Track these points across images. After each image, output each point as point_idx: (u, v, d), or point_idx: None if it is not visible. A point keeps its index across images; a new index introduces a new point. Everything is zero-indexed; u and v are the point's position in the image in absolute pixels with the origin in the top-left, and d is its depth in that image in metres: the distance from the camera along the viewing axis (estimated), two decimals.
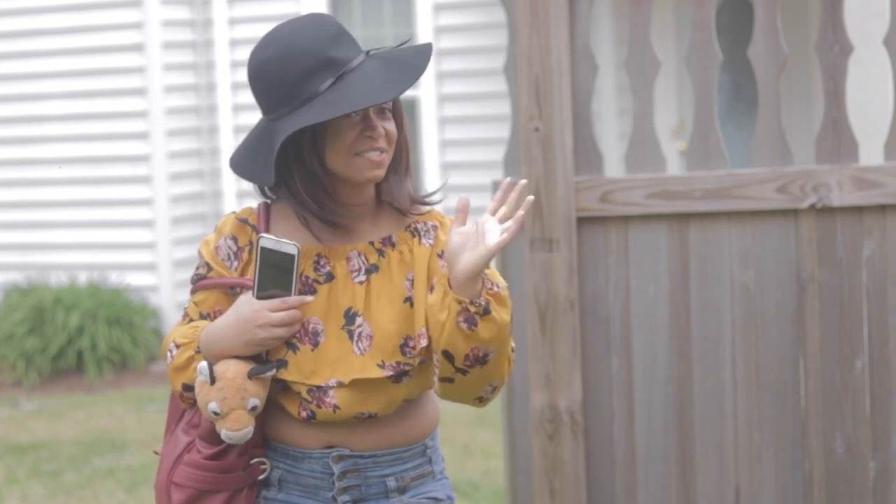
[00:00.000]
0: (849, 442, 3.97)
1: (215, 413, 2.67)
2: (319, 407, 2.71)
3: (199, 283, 2.79)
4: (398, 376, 2.72)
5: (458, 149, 10.33)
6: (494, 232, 2.60)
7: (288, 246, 2.66)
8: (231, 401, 2.66)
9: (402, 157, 2.76)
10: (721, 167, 4.08)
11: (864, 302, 3.96)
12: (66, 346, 10.06)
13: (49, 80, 10.99)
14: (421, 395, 2.79)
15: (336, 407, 2.71)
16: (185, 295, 10.76)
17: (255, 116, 10.79)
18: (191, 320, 2.78)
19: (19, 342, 10.07)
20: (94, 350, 10.04)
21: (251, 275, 2.72)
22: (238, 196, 10.84)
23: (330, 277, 2.73)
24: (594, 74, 4.18)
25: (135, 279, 10.73)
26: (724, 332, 4.07)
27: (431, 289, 2.67)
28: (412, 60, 2.68)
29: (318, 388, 2.70)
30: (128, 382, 9.92)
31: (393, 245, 2.75)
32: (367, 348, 2.71)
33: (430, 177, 10.32)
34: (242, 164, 2.74)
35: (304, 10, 10.61)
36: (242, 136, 10.87)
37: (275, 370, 2.69)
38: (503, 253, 4.24)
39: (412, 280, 2.75)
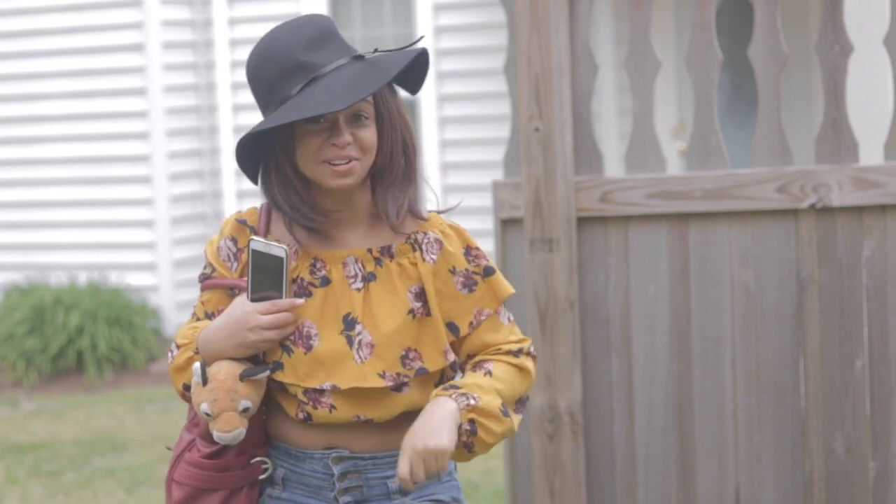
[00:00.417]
0: (849, 442, 3.98)
1: (207, 414, 2.67)
2: (315, 408, 2.71)
3: (204, 282, 2.79)
4: (398, 387, 2.72)
5: (458, 149, 10.34)
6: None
7: (276, 249, 2.65)
8: (221, 402, 2.66)
9: (394, 166, 2.71)
10: (721, 167, 4.08)
11: (864, 302, 3.96)
12: (66, 346, 10.06)
13: (49, 80, 10.99)
14: (414, 409, 2.77)
15: (332, 407, 2.71)
16: (185, 295, 10.77)
17: (255, 116, 10.85)
18: (198, 319, 2.79)
19: (19, 342, 10.07)
20: (94, 350, 10.04)
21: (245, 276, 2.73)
22: (238, 196, 10.85)
23: (326, 281, 2.72)
24: (594, 74, 4.18)
25: (135, 279, 10.73)
26: (724, 332, 4.07)
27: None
28: (387, 65, 2.65)
29: (314, 389, 2.70)
30: (128, 382, 9.92)
31: (392, 256, 2.73)
32: (367, 357, 2.70)
33: (430, 177, 10.32)
34: (238, 160, 2.74)
35: (304, 10, 10.61)
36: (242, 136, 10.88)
37: (268, 372, 2.69)
38: (503, 253, 4.24)
39: (416, 292, 2.73)
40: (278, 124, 2.60)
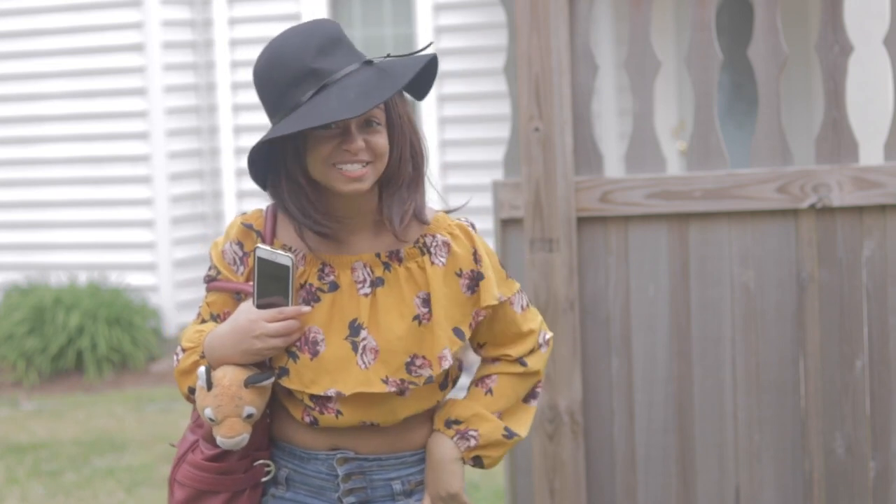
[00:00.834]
0: (849, 442, 3.97)
1: (211, 419, 2.67)
2: (322, 413, 2.71)
3: (210, 283, 2.78)
4: (401, 392, 2.71)
5: (458, 149, 10.34)
6: None
7: (282, 257, 2.65)
8: (225, 408, 2.66)
9: (402, 172, 2.71)
10: (721, 167, 4.08)
11: (864, 302, 3.96)
12: (66, 346, 10.06)
13: (49, 80, 10.99)
14: (423, 409, 2.78)
15: (339, 412, 2.71)
16: (185, 295, 10.77)
17: (254, 116, 10.80)
18: (203, 320, 2.79)
19: (19, 342, 10.07)
20: (94, 350, 10.04)
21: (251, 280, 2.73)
22: (238, 196, 10.85)
23: (334, 287, 2.71)
24: (594, 74, 4.18)
25: (135, 279, 10.73)
26: (724, 332, 4.07)
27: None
28: (400, 71, 2.64)
29: (320, 396, 2.70)
30: (128, 382, 9.92)
31: (400, 260, 2.73)
32: (371, 362, 2.70)
33: (431, 177, 10.31)
34: (250, 165, 2.74)
35: (304, 10, 10.61)
36: (242, 136, 10.89)
37: (272, 379, 2.69)
38: (503, 253, 4.24)
39: (423, 298, 2.73)
40: (294, 131, 2.59)
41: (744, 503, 4.07)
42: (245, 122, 10.79)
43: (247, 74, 10.75)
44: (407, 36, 10.52)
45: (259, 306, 2.67)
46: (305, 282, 2.71)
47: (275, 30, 10.86)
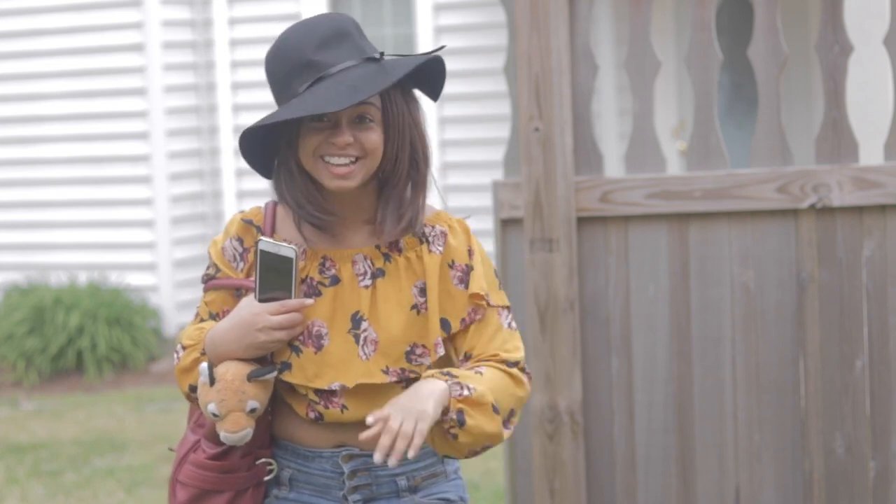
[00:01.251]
0: (849, 442, 3.97)
1: (214, 414, 2.67)
2: (327, 408, 2.71)
3: (208, 282, 2.78)
4: (403, 382, 2.70)
5: (458, 149, 10.34)
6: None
7: (286, 249, 2.64)
8: (229, 402, 2.66)
9: (398, 172, 2.69)
10: (721, 167, 4.08)
11: (864, 302, 3.96)
12: (66, 346, 10.07)
13: (49, 80, 10.99)
14: None
15: (344, 407, 2.70)
16: (185, 295, 10.77)
17: (255, 116, 10.80)
18: (202, 320, 2.78)
19: (19, 342, 10.07)
20: (94, 350, 10.04)
21: (251, 276, 2.72)
22: (238, 196, 10.85)
23: (336, 280, 2.71)
24: (594, 74, 4.17)
25: (135, 279, 10.73)
26: (724, 332, 4.07)
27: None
28: (396, 68, 2.64)
29: (324, 390, 2.69)
30: (128, 382, 9.92)
31: (400, 250, 2.73)
32: (371, 353, 2.69)
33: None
34: (244, 153, 2.74)
35: (304, 9, 10.61)
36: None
37: (275, 373, 2.69)
38: (503, 253, 4.24)
39: (421, 288, 2.72)
40: (275, 121, 2.61)
41: (744, 503, 4.07)
42: (245, 122, 10.78)
43: (247, 74, 10.76)
44: (407, 36, 10.52)
45: (261, 300, 2.66)
46: (307, 276, 2.71)
47: (275, 30, 10.88)
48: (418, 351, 2.71)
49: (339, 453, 2.74)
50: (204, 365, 2.67)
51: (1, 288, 10.96)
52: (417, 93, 2.77)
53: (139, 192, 10.82)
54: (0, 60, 11.15)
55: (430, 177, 2.75)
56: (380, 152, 2.66)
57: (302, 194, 2.68)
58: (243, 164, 11.07)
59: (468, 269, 2.74)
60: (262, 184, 2.93)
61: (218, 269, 2.76)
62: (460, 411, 2.61)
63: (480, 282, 2.73)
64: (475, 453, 2.68)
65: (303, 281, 2.71)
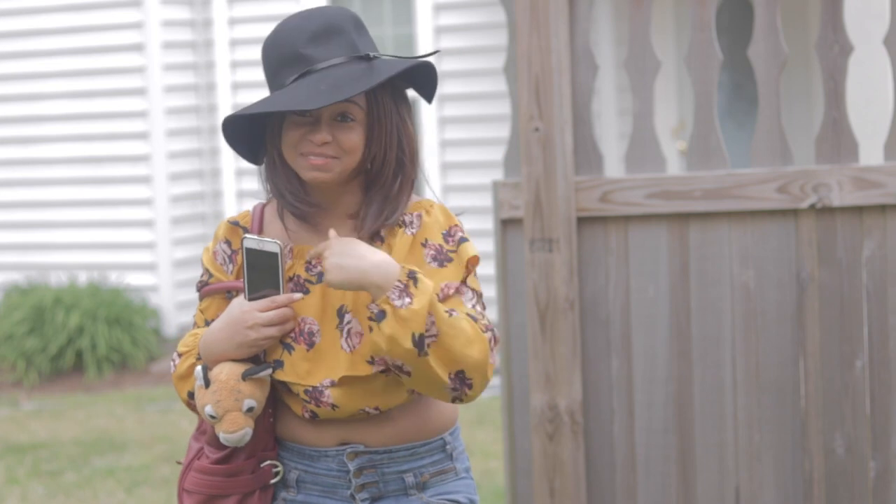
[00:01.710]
0: (849, 442, 3.98)
1: (212, 416, 2.67)
2: (318, 406, 2.70)
3: (202, 289, 2.78)
4: (389, 371, 2.67)
5: (458, 149, 10.33)
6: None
7: (270, 245, 2.65)
8: (225, 403, 2.66)
9: (385, 174, 2.69)
10: (721, 167, 4.08)
11: (864, 302, 3.96)
12: (65, 346, 10.06)
13: (49, 80, 10.99)
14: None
15: (334, 406, 2.69)
16: (185, 295, 10.77)
17: None
18: (198, 326, 2.79)
19: (19, 342, 10.07)
20: (94, 350, 10.04)
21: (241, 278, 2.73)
22: (238, 196, 10.84)
23: (322, 277, 2.70)
24: (594, 74, 4.17)
25: (135, 279, 10.73)
26: (724, 332, 4.07)
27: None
28: (382, 69, 2.63)
29: (314, 388, 2.69)
30: (128, 382, 9.91)
31: (382, 240, 2.72)
32: (356, 345, 2.68)
33: (430, 176, 10.32)
34: (228, 140, 2.74)
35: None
36: None
37: (270, 370, 2.69)
38: (503, 253, 4.24)
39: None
40: (252, 113, 2.62)
41: (744, 503, 4.07)
42: None
43: (247, 74, 10.76)
44: (407, 36, 10.52)
45: (251, 299, 2.67)
46: (294, 274, 2.71)
47: None
48: None
49: (343, 451, 2.73)
50: (198, 368, 2.68)
51: (1, 288, 10.96)
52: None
53: (139, 192, 10.82)
54: (0, 60, 11.15)
55: (418, 176, 2.75)
56: (359, 152, 2.66)
57: (283, 184, 2.69)
58: (243, 164, 11.09)
59: (446, 252, 2.69)
60: (261, 186, 2.93)
61: (210, 275, 2.77)
62: (382, 311, 2.56)
63: (449, 278, 2.68)
64: (454, 398, 2.62)
65: (290, 279, 2.71)
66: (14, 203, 11.12)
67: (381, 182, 2.70)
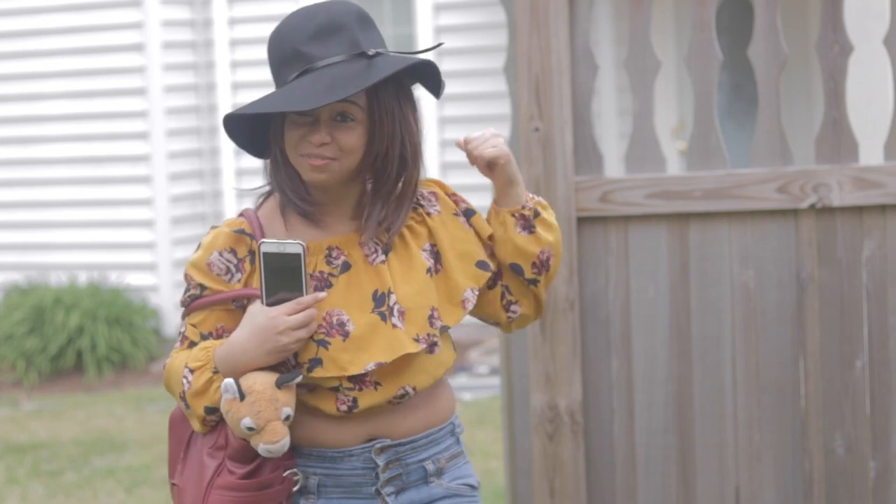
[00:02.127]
0: (849, 442, 3.98)
1: (250, 429, 2.60)
2: (361, 390, 2.66)
3: (193, 303, 2.69)
4: (431, 348, 2.71)
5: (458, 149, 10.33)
6: (479, 147, 2.79)
7: (292, 246, 2.60)
8: (266, 413, 2.59)
9: (389, 172, 2.69)
10: (721, 167, 4.08)
11: (864, 302, 3.96)
12: (65, 346, 10.07)
13: (49, 80, 10.99)
14: (449, 369, 2.78)
15: (377, 384, 2.67)
16: None
17: None
18: (192, 343, 2.70)
19: (19, 342, 10.07)
20: (94, 350, 10.04)
21: (257, 284, 2.66)
22: (238, 196, 10.85)
23: (347, 267, 2.68)
24: (594, 74, 4.17)
25: (135, 279, 10.73)
26: (724, 332, 4.07)
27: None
28: (381, 67, 2.60)
29: (357, 375, 2.66)
30: (128, 382, 9.92)
31: (389, 248, 2.73)
32: (401, 324, 2.68)
33: (430, 177, 10.32)
34: (231, 136, 2.73)
35: None
36: None
37: (301, 375, 2.64)
38: None
39: (429, 251, 2.74)
40: (249, 113, 2.61)
41: (744, 503, 4.07)
42: None
43: (247, 74, 10.76)
44: (407, 36, 10.52)
45: (269, 304, 2.62)
46: (315, 270, 2.68)
47: None
48: (435, 314, 2.72)
49: (370, 448, 2.71)
50: (230, 381, 2.60)
51: (1, 288, 10.97)
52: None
53: (139, 192, 10.82)
54: (0, 60, 11.15)
55: (420, 177, 2.75)
56: (359, 152, 2.64)
57: (286, 182, 2.67)
58: (243, 164, 11.09)
59: (468, 212, 2.84)
60: (262, 184, 2.92)
61: (203, 288, 2.68)
62: (535, 206, 2.83)
63: (484, 223, 2.85)
64: (541, 309, 2.89)
65: (311, 276, 2.67)
66: (14, 203, 11.13)
67: (385, 181, 2.69)
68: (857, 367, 3.97)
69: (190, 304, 2.69)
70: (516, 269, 2.82)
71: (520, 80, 4.14)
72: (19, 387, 9.94)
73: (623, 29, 9.76)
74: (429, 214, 2.77)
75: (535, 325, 4.15)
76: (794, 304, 4.02)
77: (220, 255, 2.68)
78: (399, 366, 2.68)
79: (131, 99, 10.83)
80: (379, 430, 2.71)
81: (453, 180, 10.27)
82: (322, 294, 2.64)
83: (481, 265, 2.78)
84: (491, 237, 2.82)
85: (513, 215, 2.80)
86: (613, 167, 9.56)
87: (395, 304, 2.68)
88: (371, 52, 2.62)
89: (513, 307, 2.87)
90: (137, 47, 10.77)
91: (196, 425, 2.69)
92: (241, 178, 10.79)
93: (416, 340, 2.68)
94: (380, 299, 2.68)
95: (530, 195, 2.83)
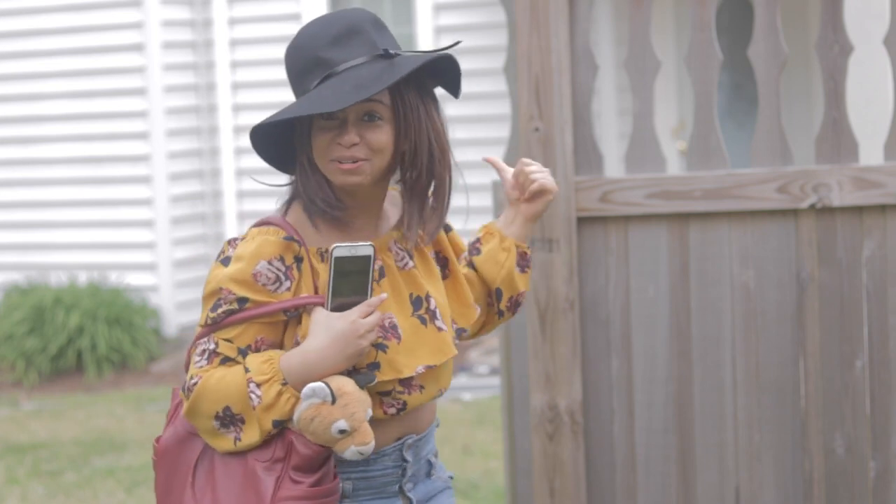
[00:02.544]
0: (849, 442, 3.98)
1: (342, 431, 2.58)
2: (410, 394, 2.68)
3: (229, 318, 2.61)
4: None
5: (458, 149, 10.30)
6: (541, 174, 2.89)
7: (363, 248, 2.59)
8: (360, 414, 2.58)
9: (419, 170, 2.69)
10: (721, 167, 4.08)
11: (864, 302, 3.96)
12: (65, 346, 10.07)
13: (49, 80, 10.99)
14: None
15: (422, 387, 2.70)
16: (185, 295, 10.76)
17: (255, 116, 10.81)
18: (225, 358, 2.61)
19: (19, 342, 10.07)
20: (94, 350, 10.04)
21: (306, 291, 2.64)
22: (238, 196, 10.84)
23: (383, 272, 2.70)
24: (594, 74, 4.17)
25: (135, 279, 10.73)
26: (724, 332, 4.07)
27: (468, 254, 2.92)
28: (403, 65, 2.61)
29: (408, 378, 2.67)
30: (128, 382, 9.92)
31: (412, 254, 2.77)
32: (444, 327, 2.73)
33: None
34: (257, 149, 2.71)
35: (304, 9, 10.61)
36: (242, 136, 10.89)
37: (376, 377, 2.64)
38: None
39: (435, 257, 2.82)
40: (279, 120, 2.59)
41: (744, 503, 4.07)
42: (245, 121, 10.79)
43: (247, 74, 10.76)
44: (407, 36, 10.52)
45: (332, 309, 2.61)
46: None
47: (275, 30, 10.89)
48: (452, 318, 2.80)
49: (401, 445, 2.72)
50: (320, 385, 2.56)
51: (1, 288, 10.97)
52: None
53: (139, 192, 10.82)
54: (0, 60, 11.15)
55: (450, 174, 2.75)
56: (389, 151, 2.65)
57: (315, 190, 2.65)
58: (243, 163, 11.08)
59: (448, 227, 2.92)
60: (263, 185, 2.91)
61: (244, 301, 2.60)
62: (530, 255, 2.96)
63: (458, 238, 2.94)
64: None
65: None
66: (14, 203, 11.13)
67: (417, 182, 2.70)
68: (857, 367, 3.97)
69: (224, 320, 2.63)
70: (497, 294, 2.92)
71: (520, 80, 4.14)
72: (19, 387, 9.94)
73: (623, 29, 9.76)
74: None
75: (535, 324, 4.15)
76: (794, 304, 4.02)
77: (270, 263, 2.62)
78: (438, 367, 2.72)
79: (131, 99, 10.83)
80: (410, 426, 2.74)
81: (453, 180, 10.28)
82: (385, 295, 2.65)
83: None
84: (467, 255, 2.94)
85: (517, 247, 2.91)
86: (613, 167, 9.56)
87: (434, 307, 2.72)
88: (391, 51, 2.63)
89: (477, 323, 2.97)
90: (137, 47, 10.77)
91: (255, 438, 2.61)
92: (242, 178, 10.78)
93: (454, 344, 2.77)
94: (416, 302, 2.71)
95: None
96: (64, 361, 10.07)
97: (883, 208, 3.94)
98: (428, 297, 2.72)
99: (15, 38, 11.09)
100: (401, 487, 2.73)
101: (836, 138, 4.00)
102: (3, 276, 11.09)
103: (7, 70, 11.12)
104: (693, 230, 4.10)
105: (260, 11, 10.78)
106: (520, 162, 2.91)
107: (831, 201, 3.96)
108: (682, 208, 4.09)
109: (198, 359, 2.62)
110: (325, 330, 2.59)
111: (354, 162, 2.61)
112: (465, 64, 10.80)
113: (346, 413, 2.58)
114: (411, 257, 2.74)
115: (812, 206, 3.98)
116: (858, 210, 3.95)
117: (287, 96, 2.93)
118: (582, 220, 4.17)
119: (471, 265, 2.92)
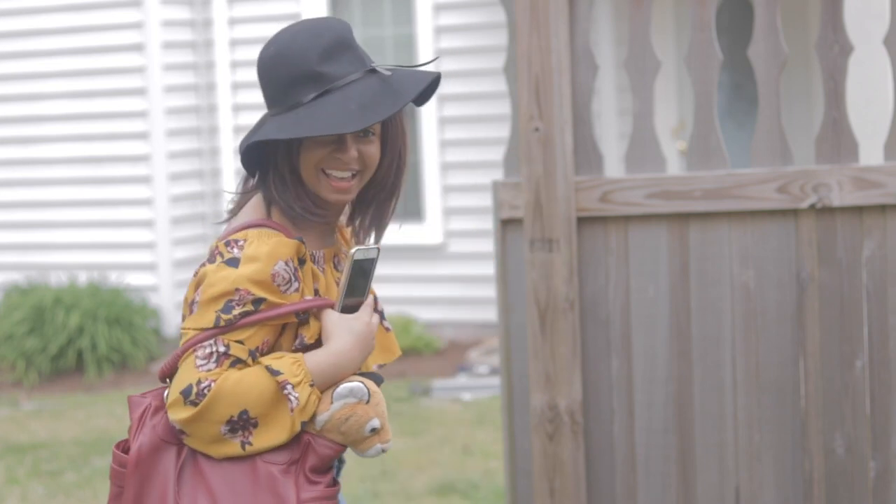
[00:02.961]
0: (849, 442, 3.98)
1: (373, 430, 2.61)
2: None
3: (244, 319, 2.59)
4: None
5: (458, 149, 10.33)
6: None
7: (373, 251, 2.66)
8: (385, 413, 2.64)
9: (385, 180, 2.75)
10: (721, 167, 4.08)
11: (864, 302, 3.96)
12: (66, 346, 10.06)
13: (49, 80, 10.99)
14: None
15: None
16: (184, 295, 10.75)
17: (255, 116, 10.81)
18: (237, 361, 2.58)
19: (19, 342, 10.07)
20: (94, 350, 10.04)
21: (307, 293, 2.67)
22: None
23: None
24: (594, 74, 4.18)
25: (135, 279, 10.73)
26: (724, 332, 4.07)
27: None
28: (405, 85, 2.65)
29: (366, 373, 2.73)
30: (128, 382, 9.91)
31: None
32: (390, 327, 2.85)
33: (430, 176, 10.32)
34: (244, 161, 2.73)
35: (304, 9, 10.61)
36: (242, 136, 10.89)
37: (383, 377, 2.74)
38: (503, 253, 4.24)
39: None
40: (293, 136, 2.60)
41: (744, 503, 4.07)
42: (245, 122, 10.79)
43: (247, 74, 10.76)
44: (407, 36, 10.52)
45: (343, 309, 2.66)
46: (337, 277, 2.77)
47: (275, 30, 10.88)
48: None
49: None
50: (360, 385, 2.60)
51: (1, 288, 10.97)
52: None
53: (139, 192, 10.82)
54: (0, 60, 11.15)
55: (404, 182, 2.80)
56: (376, 164, 2.72)
57: (293, 200, 2.68)
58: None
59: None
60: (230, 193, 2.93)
61: (260, 302, 2.59)
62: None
63: None
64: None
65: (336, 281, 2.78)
66: (14, 203, 11.12)
67: (381, 188, 2.76)
68: (857, 367, 3.97)
69: (239, 321, 2.59)
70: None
71: (520, 80, 4.14)
72: (19, 387, 9.94)
73: (623, 29, 9.76)
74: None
75: (535, 324, 4.15)
76: (794, 304, 4.02)
77: (287, 263, 2.63)
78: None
79: (131, 99, 10.83)
80: None
81: (453, 180, 10.27)
82: (374, 295, 2.75)
83: None
84: None
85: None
86: (613, 167, 9.56)
87: (381, 308, 2.80)
88: (378, 67, 2.66)
89: None
90: (137, 47, 10.77)
91: (281, 439, 2.59)
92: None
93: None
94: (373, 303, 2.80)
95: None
96: (64, 361, 10.07)
97: (883, 208, 3.94)
98: (375, 298, 2.77)
99: (15, 38, 11.09)
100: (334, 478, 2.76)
101: (836, 138, 4.00)
102: (3, 276, 11.09)
103: (7, 70, 11.12)
104: (693, 230, 4.10)
105: (260, 11, 10.78)
106: None
107: (831, 201, 3.96)
108: (682, 208, 4.09)
109: (202, 362, 2.57)
110: (349, 332, 2.64)
111: (351, 177, 2.67)
112: (465, 64, 10.81)
113: (379, 411, 2.62)
114: None
115: (812, 206, 3.98)
116: (858, 210, 3.95)
117: None
118: (582, 220, 4.17)
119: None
